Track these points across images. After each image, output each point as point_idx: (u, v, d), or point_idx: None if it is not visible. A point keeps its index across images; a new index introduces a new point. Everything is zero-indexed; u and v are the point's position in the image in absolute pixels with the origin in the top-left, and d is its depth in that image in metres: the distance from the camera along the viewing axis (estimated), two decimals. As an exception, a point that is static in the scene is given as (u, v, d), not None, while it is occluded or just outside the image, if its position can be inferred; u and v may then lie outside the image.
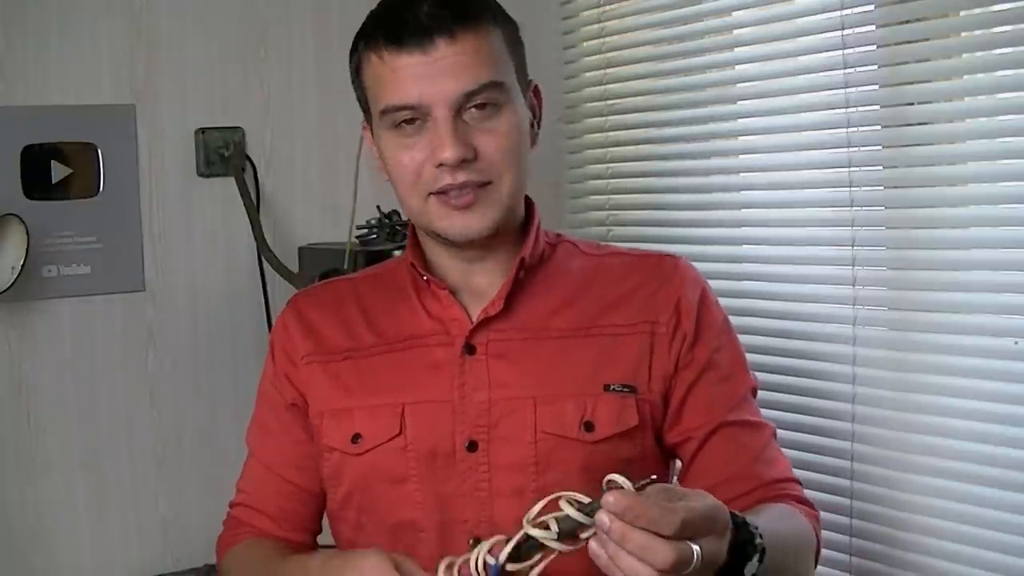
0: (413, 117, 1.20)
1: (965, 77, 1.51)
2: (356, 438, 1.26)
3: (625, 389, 1.25)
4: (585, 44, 2.11)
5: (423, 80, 1.18)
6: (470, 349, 1.25)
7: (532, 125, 1.28)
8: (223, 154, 2.00)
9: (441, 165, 1.19)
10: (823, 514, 1.63)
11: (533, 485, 1.22)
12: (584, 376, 1.24)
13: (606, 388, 1.24)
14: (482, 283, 1.29)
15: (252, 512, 1.36)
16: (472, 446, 1.23)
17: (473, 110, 1.19)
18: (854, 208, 1.61)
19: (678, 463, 1.34)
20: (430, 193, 1.21)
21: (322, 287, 1.41)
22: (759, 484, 1.25)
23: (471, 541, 1.20)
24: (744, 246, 1.82)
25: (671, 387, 1.27)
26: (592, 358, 1.25)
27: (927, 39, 1.53)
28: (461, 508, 1.23)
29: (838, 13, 1.58)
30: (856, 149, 1.60)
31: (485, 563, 1.00)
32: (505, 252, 1.28)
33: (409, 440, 1.24)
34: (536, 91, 1.29)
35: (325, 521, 1.37)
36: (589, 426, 1.23)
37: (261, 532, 1.35)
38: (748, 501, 1.24)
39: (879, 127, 1.60)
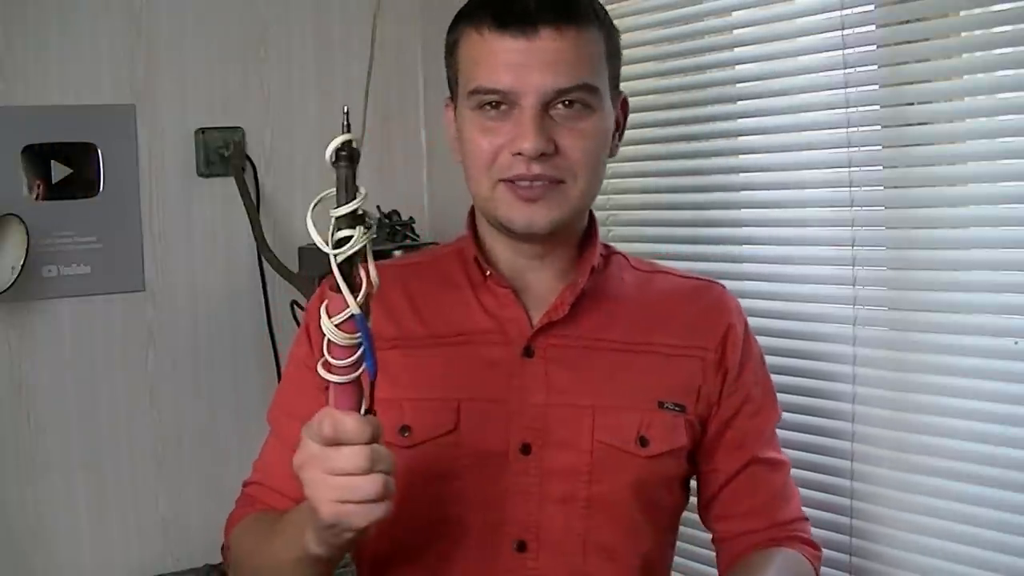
0: (500, 102, 1.19)
1: (965, 77, 1.51)
2: (405, 430, 1.23)
3: (676, 408, 1.26)
4: (585, 44, 2.11)
5: (519, 68, 1.17)
6: (528, 352, 1.25)
7: (614, 136, 1.27)
8: (223, 154, 2.00)
9: (519, 154, 1.18)
10: (823, 514, 1.64)
11: (583, 493, 1.22)
12: (640, 390, 1.25)
13: (660, 405, 1.25)
14: (539, 285, 1.28)
15: (269, 491, 1.33)
16: (526, 449, 1.22)
17: (561, 107, 1.19)
18: (854, 208, 1.61)
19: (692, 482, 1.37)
20: (500, 180, 1.20)
21: None
22: (773, 523, 1.31)
23: (515, 545, 1.21)
24: (744, 246, 1.81)
25: (711, 414, 1.30)
26: (647, 373, 1.26)
27: (927, 39, 1.53)
28: (508, 510, 1.22)
29: (838, 13, 1.58)
30: (856, 149, 1.60)
31: (350, 316, 0.96)
32: (563, 256, 1.28)
33: (463, 437, 1.22)
34: (624, 103, 1.29)
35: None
36: (644, 441, 1.23)
37: (277, 510, 1.33)
38: (761, 538, 1.30)
39: (879, 127, 1.59)
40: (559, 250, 1.28)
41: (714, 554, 1.38)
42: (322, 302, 1.30)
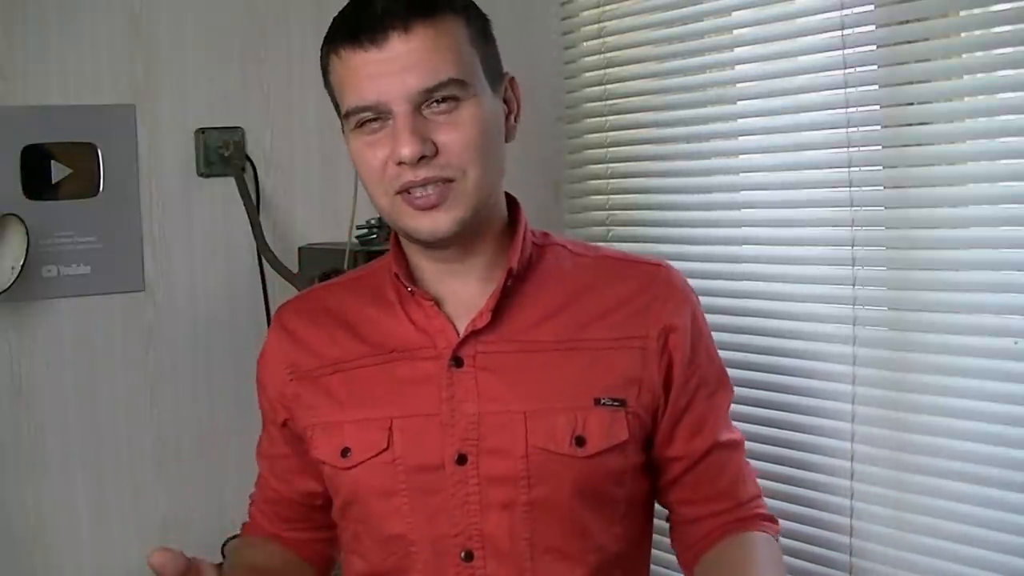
0: (375, 116, 1.18)
1: (965, 77, 1.51)
2: (345, 452, 1.26)
3: (615, 403, 1.24)
4: (585, 44, 2.11)
5: (379, 78, 1.16)
6: (457, 362, 1.24)
7: (508, 118, 1.25)
8: (223, 154, 2.00)
9: (401, 163, 1.16)
10: (822, 515, 1.65)
11: (523, 498, 1.22)
12: (574, 389, 1.23)
13: (596, 402, 1.23)
14: (466, 290, 1.26)
15: (257, 511, 1.43)
16: (462, 459, 1.22)
17: (434, 105, 1.16)
18: (854, 208, 1.61)
19: None
20: (396, 192, 1.19)
21: (302, 297, 1.41)
22: (737, 503, 1.31)
23: (462, 554, 1.22)
24: (744, 246, 1.82)
25: (663, 403, 1.27)
26: (582, 371, 1.24)
27: (927, 39, 1.53)
28: (451, 522, 1.22)
29: (838, 13, 1.58)
30: (856, 149, 1.60)
31: None
32: (486, 255, 1.26)
33: (397, 454, 1.23)
34: (512, 83, 1.26)
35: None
36: (580, 441, 1.22)
37: (264, 529, 1.42)
38: (725, 520, 1.30)
39: (879, 127, 1.60)
40: (478, 248, 1.25)
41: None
42: (272, 339, 1.35)
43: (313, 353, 1.31)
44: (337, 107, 1.25)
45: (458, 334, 1.24)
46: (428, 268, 1.27)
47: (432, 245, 1.22)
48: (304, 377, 1.30)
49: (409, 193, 1.18)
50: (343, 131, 1.26)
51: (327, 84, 1.25)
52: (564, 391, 1.23)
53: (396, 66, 1.15)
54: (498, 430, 1.22)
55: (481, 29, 1.23)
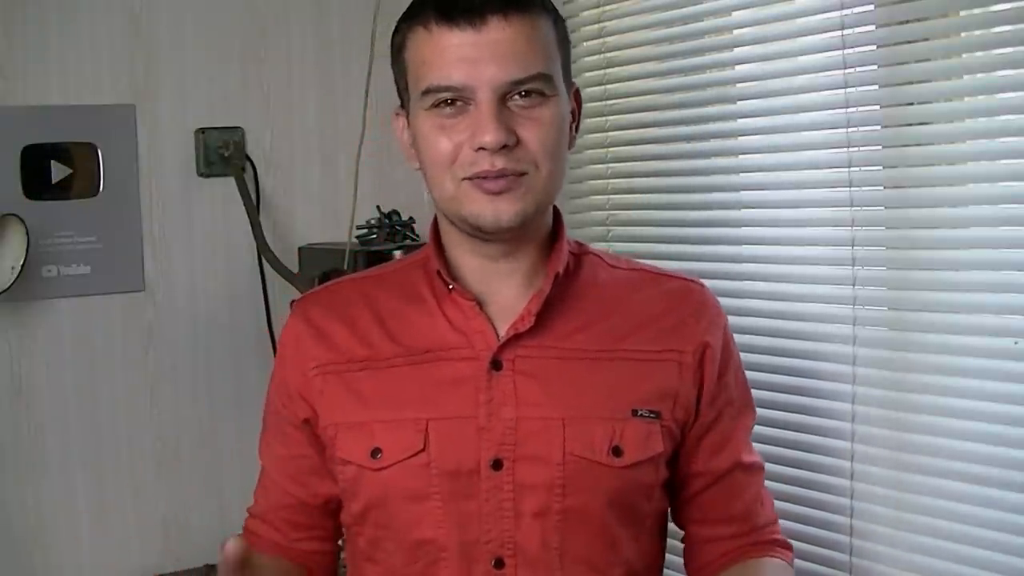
0: (455, 98, 1.16)
1: (965, 77, 1.51)
2: (376, 453, 1.22)
3: (651, 415, 1.23)
4: (585, 44, 2.11)
5: (470, 62, 1.14)
6: (496, 365, 1.22)
7: (571, 127, 1.25)
8: (223, 154, 2.00)
9: (480, 149, 1.15)
10: (823, 515, 1.65)
11: (558, 507, 1.20)
12: (612, 399, 1.22)
13: (634, 412, 1.22)
14: (507, 292, 1.25)
15: (259, 523, 1.35)
16: (497, 464, 1.20)
17: (518, 97, 1.16)
18: (854, 208, 1.61)
19: None
20: (464, 178, 1.17)
21: (327, 290, 1.36)
22: (754, 527, 1.31)
23: (493, 562, 1.20)
24: (744, 246, 1.81)
25: (691, 419, 1.27)
26: (619, 381, 1.23)
27: (927, 39, 1.53)
28: (484, 528, 1.20)
29: (838, 13, 1.58)
30: (856, 149, 1.60)
31: None
32: (529, 257, 1.25)
33: (433, 457, 1.20)
34: (577, 94, 1.27)
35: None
36: (617, 451, 1.21)
37: (270, 542, 1.34)
38: (744, 542, 1.30)
39: (879, 127, 1.59)
40: (525, 249, 1.24)
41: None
42: (294, 330, 1.32)
43: (337, 348, 1.27)
44: (400, 87, 1.24)
45: (498, 337, 1.23)
46: (471, 266, 1.25)
47: (489, 237, 1.21)
48: (329, 372, 1.26)
49: (479, 180, 1.17)
50: (403, 107, 1.25)
51: (397, 60, 1.23)
52: (602, 400, 1.22)
53: (490, 52, 1.14)
54: (535, 436, 1.20)
55: (564, 34, 1.23)
